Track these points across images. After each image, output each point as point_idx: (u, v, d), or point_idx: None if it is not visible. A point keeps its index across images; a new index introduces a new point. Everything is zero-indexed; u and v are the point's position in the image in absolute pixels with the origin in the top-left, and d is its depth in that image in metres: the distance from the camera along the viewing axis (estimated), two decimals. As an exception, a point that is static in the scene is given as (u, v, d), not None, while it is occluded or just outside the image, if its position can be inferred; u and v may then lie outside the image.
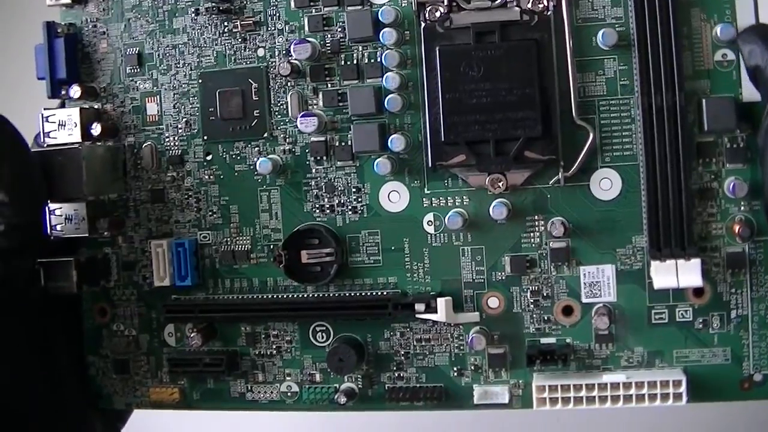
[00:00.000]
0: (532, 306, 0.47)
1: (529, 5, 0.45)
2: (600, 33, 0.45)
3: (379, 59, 0.46)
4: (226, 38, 0.48)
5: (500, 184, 0.46)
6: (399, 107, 0.46)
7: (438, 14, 0.46)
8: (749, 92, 0.45)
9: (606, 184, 0.46)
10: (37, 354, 0.47)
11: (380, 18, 0.46)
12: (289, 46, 0.47)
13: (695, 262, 0.44)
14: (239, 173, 0.48)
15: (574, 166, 0.45)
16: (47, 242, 0.48)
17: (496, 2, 0.45)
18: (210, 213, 0.49)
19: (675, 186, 0.44)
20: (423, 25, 0.46)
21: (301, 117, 0.47)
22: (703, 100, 0.44)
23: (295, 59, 0.46)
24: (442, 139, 0.45)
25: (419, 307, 0.46)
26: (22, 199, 0.44)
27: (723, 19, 0.44)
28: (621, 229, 0.46)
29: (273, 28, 0.48)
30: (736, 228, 0.45)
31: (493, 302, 0.47)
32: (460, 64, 0.45)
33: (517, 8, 0.45)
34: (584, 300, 0.46)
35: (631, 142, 0.46)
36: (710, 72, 0.45)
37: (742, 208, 0.45)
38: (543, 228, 0.46)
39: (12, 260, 0.44)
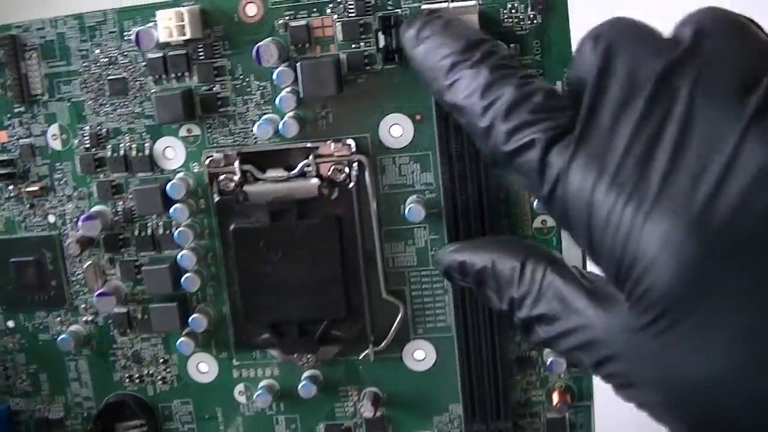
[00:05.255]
0: (350, 472, 0.44)
1: (329, 173, 0.40)
2: (407, 209, 0.39)
3: (173, 233, 0.41)
4: (14, 204, 0.42)
5: (309, 359, 0.42)
6: (197, 286, 0.40)
7: (232, 185, 0.41)
8: (567, 256, 0.41)
9: (420, 355, 0.41)
10: None
11: (169, 194, 0.40)
12: (77, 221, 0.42)
13: (507, 443, 0.41)
14: (44, 342, 0.43)
15: (385, 342, 0.41)
16: None
17: (294, 172, 0.40)
18: (20, 380, 0.44)
19: (490, 358, 0.40)
20: (216, 199, 0.41)
21: (97, 296, 0.41)
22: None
23: (84, 235, 0.42)
24: (244, 320, 0.42)
25: (235, 483, 0.43)
26: None
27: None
28: (437, 398, 0.41)
29: (61, 194, 0.42)
30: (556, 396, 0.42)
31: (312, 468, 0.44)
32: (257, 245, 0.40)
33: (316, 179, 0.40)
34: (404, 467, 0.43)
35: (444, 314, 0.41)
36: (529, 238, 0.40)
37: (562, 375, 0.42)
38: (357, 397, 0.43)
39: None
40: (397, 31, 0.37)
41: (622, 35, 0.29)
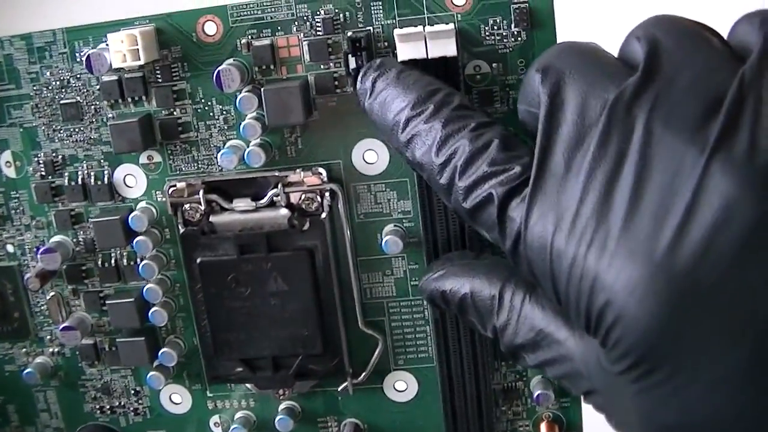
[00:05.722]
0: (332, 504, 0.42)
1: (300, 203, 0.38)
2: (383, 242, 0.36)
3: (137, 264, 0.39)
4: (-29, 233, 0.40)
5: (285, 392, 0.41)
6: (165, 320, 0.38)
7: (197, 215, 0.38)
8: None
9: (401, 386, 0.39)
10: None
11: (131, 226, 0.38)
12: (36, 254, 0.39)
13: (492, 478, 0.40)
14: (10, 373, 0.41)
15: (363, 375, 0.39)
16: None
17: (262, 202, 0.38)
18: (-13, 411, 0.43)
19: (473, 388, 0.38)
20: (181, 230, 0.38)
21: (62, 330, 0.38)
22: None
23: (44, 269, 0.40)
24: (215, 355, 0.40)
25: None
26: None
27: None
28: (420, 429, 0.39)
29: (19, 223, 0.39)
30: (544, 428, 0.40)
31: (292, 499, 0.42)
32: (225, 279, 0.38)
33: (285, 210, 0.37)
34: (387, 497, 0.42)
35: (426, 344, 0.39)
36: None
37: (551, 405, 0.40)
38: (337, 428, 0.41)
39: None
40: (368, 53, 0.34)
41: (571, 64, 0.27)
